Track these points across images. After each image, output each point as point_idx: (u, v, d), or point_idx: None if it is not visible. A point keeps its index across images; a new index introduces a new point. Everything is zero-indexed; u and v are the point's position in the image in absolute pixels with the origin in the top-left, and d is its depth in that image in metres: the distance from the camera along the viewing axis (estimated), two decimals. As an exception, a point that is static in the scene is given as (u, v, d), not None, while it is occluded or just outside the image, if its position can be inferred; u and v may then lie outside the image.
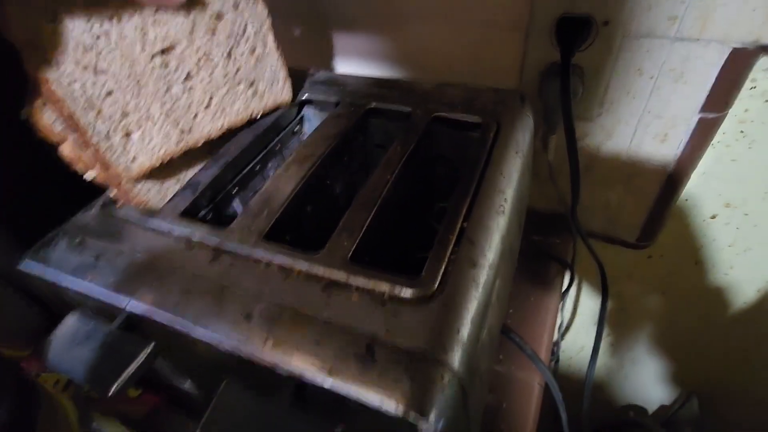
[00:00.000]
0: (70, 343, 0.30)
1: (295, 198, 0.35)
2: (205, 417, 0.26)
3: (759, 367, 0.70)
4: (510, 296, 0.55)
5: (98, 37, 0.29)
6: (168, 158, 0.35)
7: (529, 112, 0.44)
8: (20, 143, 0.38)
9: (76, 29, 0.28)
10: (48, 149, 0.32)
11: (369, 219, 0.32)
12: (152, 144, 0.34)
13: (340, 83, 0.48)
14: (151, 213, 0.35)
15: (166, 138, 0.35)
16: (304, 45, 0.64)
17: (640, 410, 0.90)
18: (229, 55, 0.37)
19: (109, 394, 0.28)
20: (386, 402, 0.23)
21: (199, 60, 0.35)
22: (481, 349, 0.30)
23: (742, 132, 0.51)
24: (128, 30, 0.31)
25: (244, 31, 0.37)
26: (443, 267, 0.29)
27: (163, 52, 0.33)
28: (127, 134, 0.33)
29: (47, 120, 0.30)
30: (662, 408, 0.88)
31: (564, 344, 0.88)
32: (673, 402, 0.84)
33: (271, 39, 0.40)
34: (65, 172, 0.32)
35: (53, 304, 0.37)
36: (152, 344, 0.29)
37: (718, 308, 0.68)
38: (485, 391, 0.41)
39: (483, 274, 0.29)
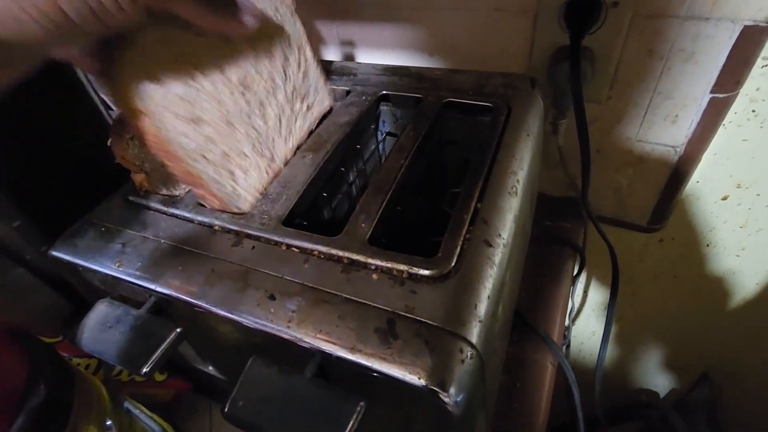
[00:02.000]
0: (101, 326, 0.31)
1: (312, 184, 0.36)
2: (234, 392, 0.28)
3: (771, 346, 0.70)
4: (521, 280, 0.55)
5: (190, 86, 0.30)
6: (264, 190, 0.36)
7: (539, 95, 0.44)
8: (45, 140, 0.39)
9: (175, 84, 0.29)
10: (69, 146, 0.33)
11: (385, 202, 0.33)
12: (252, 180, 0.35)
13: (351, 72, 0.49)
14: (172, 201, 0.36)
15: (259, 170, 0.36)
16: (313, 35, 0.65)
17: (652, 393, 0.91)
18: (285, 74, 0.37)
19: (142, 372, 0.29)
20: (408, 375, 0.24)
21: (266, 87, 0.36)
22: (497, 326, 0.31)
23: (753, 111, 0.51)
24: (214, 75, 0.31)
25: (290, 46, 0.38)
26: (459, 246, 0.29)
27: (240, 86, 0.34)
28: (232, 175, 0.34)
29: (131, 156, 0.33)
30: (673, 391, 0.88)
31: (575, 330, 0.89)
32: (685, 385, 0.85)
33: (309, 50, 0.40)
34: (86, 167, 0.34)
35: (83, 292, 0.39)
36: (179, 327, 0.31)
37: (729, 290, 0.68)
38: (500, 370, 0.42)
39: (498, 253, 0.30)
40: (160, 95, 0.29)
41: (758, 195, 0.57)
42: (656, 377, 0.89)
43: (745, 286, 0.66)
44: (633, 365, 0.90)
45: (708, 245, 0.64)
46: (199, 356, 0.41)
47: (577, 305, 0.84)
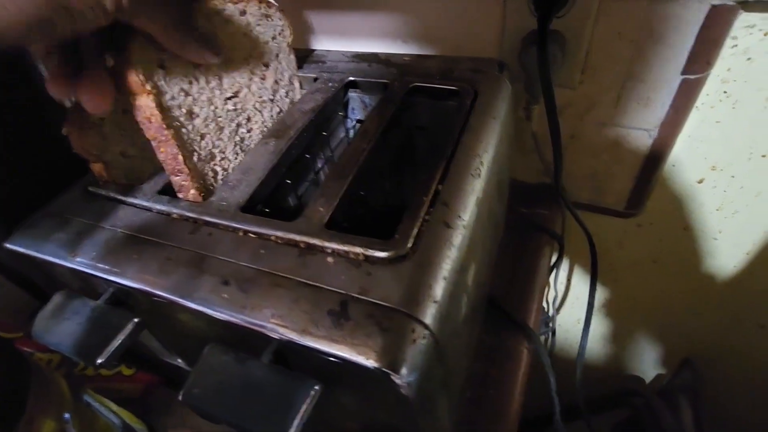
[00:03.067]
0: (57, 318, 0.31)
1: (273, 171, 0.35)
2: (189, 380, 0.27)
3: (750, 328, 0.70)
4: (496, 267, 0.55)
5: (191, 83, 0.33)
6: None
7: (507, 79, 0.44)
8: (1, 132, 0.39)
9: (178, 75, 0.32)
10: (27, 137, 0.33)
11: (345, 187, 0.32)
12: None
13: (320, 59, 0.48)
14: (132, 191, 0.35)
15: None
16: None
17: (637, 380, 0.91)
18: (273, 97, 0.40)
19: (97, 363, 0.29)
20: (358, 356, 0.23)
21: (255, 103, 0.38)
22: (459, 308, 0.30)
23: (725, 92, 0.51)
24: (210, 78, 0.34)
25: (282, 75, 0.41)
26: (417, 228, 0.29)
27: (233, 97, 0.36)
28: (215, 174, 0.35)
29: (89, 145, 0.33)
30: (659, 377, 0.89)
31: (560, 318, 0.89)
32: (669, 371, 0.85)
33: (297, 83, 0.43)
34: (45, 157, 0.33)
35: (43, 285, 0.38)
36: (137, 318, 0.30)
37: (709, 273, 0.68)
38: (470, 355, 0.42)
39: (457, 235, 0.30)
40: (165, 80, 0.31)
41: (733, 177, 0.57)
42: (641, 364, 0.90)
43: (723, 269, 0.67)
44: (617, 353, 0.91)
45: (685, 229, 0.64)
46: (165, 349, 0.40)
47: (560, 294, 0.85)
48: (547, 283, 0.75)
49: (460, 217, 0.31)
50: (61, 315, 0.31)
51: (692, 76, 0.48)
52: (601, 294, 0.80)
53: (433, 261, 0.27)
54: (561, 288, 0.83)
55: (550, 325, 0.83)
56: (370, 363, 0.23)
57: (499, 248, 0.56)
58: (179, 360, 0.41)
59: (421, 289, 0.26)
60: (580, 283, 0.81)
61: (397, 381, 0.23)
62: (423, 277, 0.27)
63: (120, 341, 0.29)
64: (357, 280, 0.26)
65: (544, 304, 0.79)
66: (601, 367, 0.93)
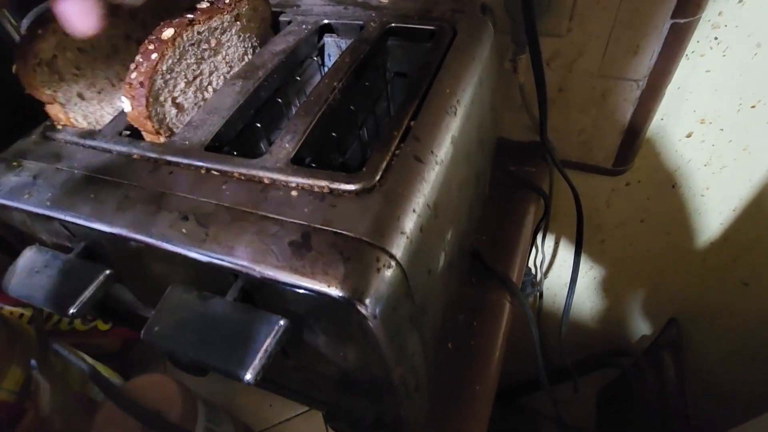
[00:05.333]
0: (29, 271, 0.30)
1: (240, 111, 0.34)
2: (150, 318, 0.26)
3: (734, 286, 0.71)
4: (481, 222, 0.54)
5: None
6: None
7: (489, 21, 0.42)
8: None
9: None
10: None
11: (312, 123, 0.31)
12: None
13: (293, 3, 0.46)
14: (91, 134, 0.34)
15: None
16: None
17: (624, 341, 0.92)
18: (240, 40, 0.38)
19: (69, 313, 0.28)
20: (320, 285, 0.22)
21: (219, 44, 0.36)
22: (432, 246, 0.29)
23: (716, 38, 0.49)
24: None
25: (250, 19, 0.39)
26: (386, 162, 0.28)
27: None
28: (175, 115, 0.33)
29: (39, 84, 0.32)
30: (644, 337, 0.90)
31: (547, 282, 0.89)
32: (655, 331, 0.86)
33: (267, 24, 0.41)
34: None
35: (7, 237, 0.37)
36: (108, 269, 0.30)
37: (694, 230, 0.68)
38: (449, 302, 0.42)
39: (430, 170, 0.28)
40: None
41: (722, 130, 0.56)
42: (628, 325, 0.91)
43: (709, 226, 0.66)
44: (604, 315, 0.91)
45: (674, 186, 0.64)
46: (140, 302, 0.40)
47: (548, 258, 0.84)
48: (534, 244, 0.74)
49: (432, 153, 0.29)
50: (32, 269, 0.30)
51: (682, 20, 0.46)
52: (588, 255, 0.80)
53: (402, 194, 0.26)
54: (549, 251, 0.83)
55: (538, 287, 0.83)
56: (333, 291, 0.22)
57: (484, 205, 0.55)
58: (152, 312, 0.40)
59: (388, 220, 0.25)
60: (568, 246, 0.81)
61: (362, 311, 0.22)
62: (391, 209, 0.25)
63: (92, 292, 0.29)
64: (321, 212, 0.25)
65: (532, 266, 0.79)
66: (588, 329, 0.94)
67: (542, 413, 1.15)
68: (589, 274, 0.84)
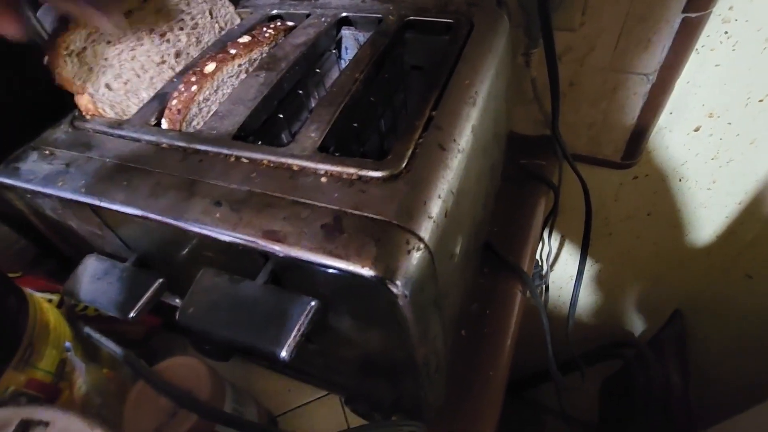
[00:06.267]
0: (91, 278, 0.33)
1: (264, 102, 0.34)
2: (184, 301, 0.27)
3: (737, 279, 0.72)
4: (493, 215, 0.55)
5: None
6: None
7: (505, 14, 0.43)
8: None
9: None
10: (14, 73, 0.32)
11: (338, 113, 0.32)
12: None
13: (310, -4, 0.46)
14: (120, 124, 0.34)
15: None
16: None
17: (628, 333, 0.94)
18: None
19: (130, 317, 0.31)
20: (353, 266, 0.23)
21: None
22: (454, 231, 0.30)
23: (726, 33, 0.50)
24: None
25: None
26: (411, 150, 0.29)
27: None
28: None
29: (69, 74, 0.33)
30: (649, 329, 0.91)
31: (553, 275, 0.90)
32: (659, 323, 0.87)
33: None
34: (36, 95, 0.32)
35: (38, 226, 0.37)
36: (161, 278, 0.32)
37: (700, 225, 0.69)
38: (464, 291, 0.43)
39: (452, 158, 0.29)
40: None
41: (729, 124, 0.57)
42: (632, 317, 0.92)
43: (715, 220, 0.67)
44: (610, 308, 0.92)
45: (681, 180, 0.64)
46: (170, 292, 0.41)
47: (554, 251, 0.85)
48: (542, 238, 0.75)
49: (455, 141, 0.30)
50: (93, 275, 0.33)
51: (693, 14, 0.47)
52: (594, 248, 0.81)
53: (428, 179, 0.27)
54: (555, 245, 0.84)
55: (544, 280, 0.84)
56: (366, 271, 0.23)
57: (497, 198, 0.56)
58: (177, 300, 0.41)
59: (416, 204, 0.26)
60: (575, 240, 0.82)
61: (393, 290, 0.23)
62: (418, 194, 0.26)
63: (148, 298, 0.32)
64: (350, 197, 0.26)
65: (538, 259, 0.80)
66: (593, 321, 0.95)
67: (546, 406, 1.16)
68: (595, 266, 0.85)
